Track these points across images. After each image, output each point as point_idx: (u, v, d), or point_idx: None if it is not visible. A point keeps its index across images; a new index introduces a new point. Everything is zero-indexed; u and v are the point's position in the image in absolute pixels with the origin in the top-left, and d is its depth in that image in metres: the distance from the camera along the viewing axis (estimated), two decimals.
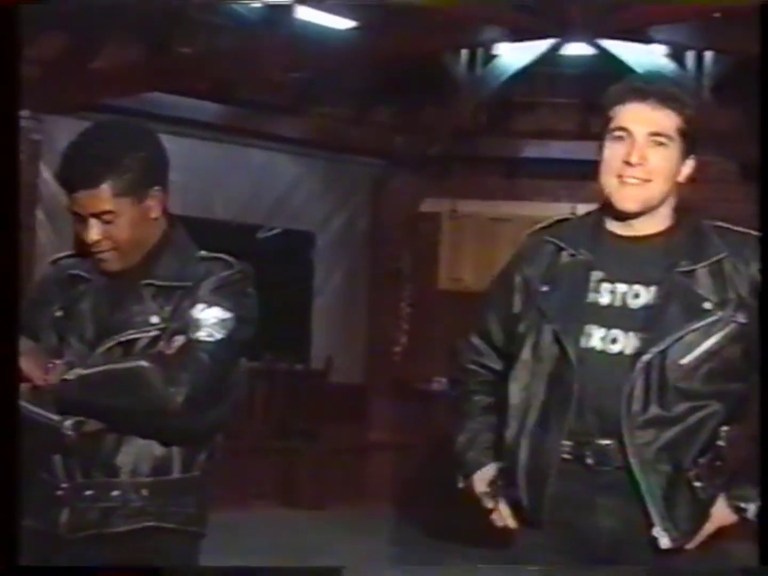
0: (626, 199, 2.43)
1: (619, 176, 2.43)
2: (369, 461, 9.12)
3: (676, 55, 8.03)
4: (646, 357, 2.36)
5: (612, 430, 2.36)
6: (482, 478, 2.59)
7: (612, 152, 2.44)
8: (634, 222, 2.47)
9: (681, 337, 2.37)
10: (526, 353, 2.48)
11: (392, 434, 9.16)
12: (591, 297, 2.45)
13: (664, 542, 2.34)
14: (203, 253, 2.65)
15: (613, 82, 2.54)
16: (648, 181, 2.41)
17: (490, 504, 2.57)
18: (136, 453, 2.55)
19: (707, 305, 2.38)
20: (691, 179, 2.49)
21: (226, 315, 2.53)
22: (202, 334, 2.50)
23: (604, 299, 2.45)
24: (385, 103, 9.29)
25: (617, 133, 2.43)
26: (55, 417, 2.49)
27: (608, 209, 2.49)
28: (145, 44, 7.85)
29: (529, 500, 2.44)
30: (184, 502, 2.60)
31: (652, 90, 2.43)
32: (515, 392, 2.49)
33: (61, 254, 2.77)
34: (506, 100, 9.09)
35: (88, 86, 7.50)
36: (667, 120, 2.41)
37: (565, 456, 2.40)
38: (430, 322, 9.28)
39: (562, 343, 2.42)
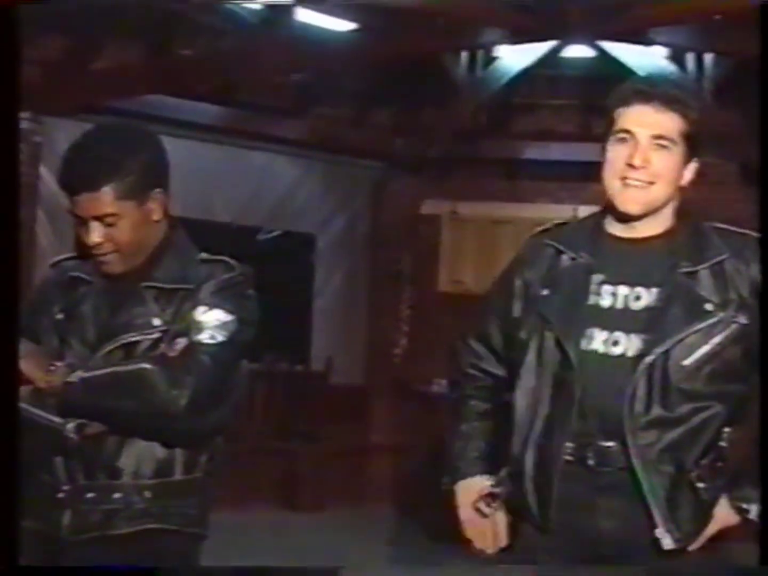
0: (629, 201, 2.43)
1: (622, 178, 2.42)
2: (369, 462, 9.12)
3: (677, 57, 8.02)
4: (648, 358, 2.36)
5: (614, 431, 2.36)
6: (466, 489, 2.60)
7: (615, 154, 2.44)
8: (635, 224, 2.47)
9: (683, 339, 2.37)
10: (530, 358, 2.48)
11: (392, 435, 9.16)
12: (592, 299, 2.45)
13: (667, 543, 2.34)
14: (204, 255, 2.65)
15: (613, 84, 2.54)
16: (651, 183, 2.41)
17: (465, 516, 2.59)
18: (138, 455, 2.55)
19: (709, 306, 2.39)
20: (692, 181, 2.49)
21: (228, 317, 2.53)
22: (204, 337, 2.50)
23: (606, 301, 2.45)
24: (385, 105, 9.29)
25: (621, 135, 2.43)
26: (58, 419, 2.49)
27: (610, 211, 2.49)
28: (145, 46, 7.85)
29: (537, 506, 2.44)
30: (186, 504, 2.60)
31: (656, 93, 2.42)
32: (521, 398, 2.49)
33: (62, 256, 2.77)
34: (507, 101, 9.09)
35: (89, 88, 7.50)
36: (671, 123, 2.41)
37: (567, 458, 2.40)
38: (430, 324, 9.27)
39: (563, 346, 2.42)
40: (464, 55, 8.43)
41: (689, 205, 2.52)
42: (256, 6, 7.65)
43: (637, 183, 2.41)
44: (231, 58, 7.62)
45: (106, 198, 2.51)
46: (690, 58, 8.13)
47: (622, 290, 2.45)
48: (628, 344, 2.40)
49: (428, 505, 8.12)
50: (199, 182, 8.09)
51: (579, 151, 8.22)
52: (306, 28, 7.66)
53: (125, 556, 2.53)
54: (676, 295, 2.40)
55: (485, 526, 2.58)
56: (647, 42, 7.39)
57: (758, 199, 2.56)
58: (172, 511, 2.58)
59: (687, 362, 2.37)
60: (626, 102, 2.43)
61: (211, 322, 2.51)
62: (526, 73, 8.30)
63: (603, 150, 2.47)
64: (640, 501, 2.35)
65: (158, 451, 2.56)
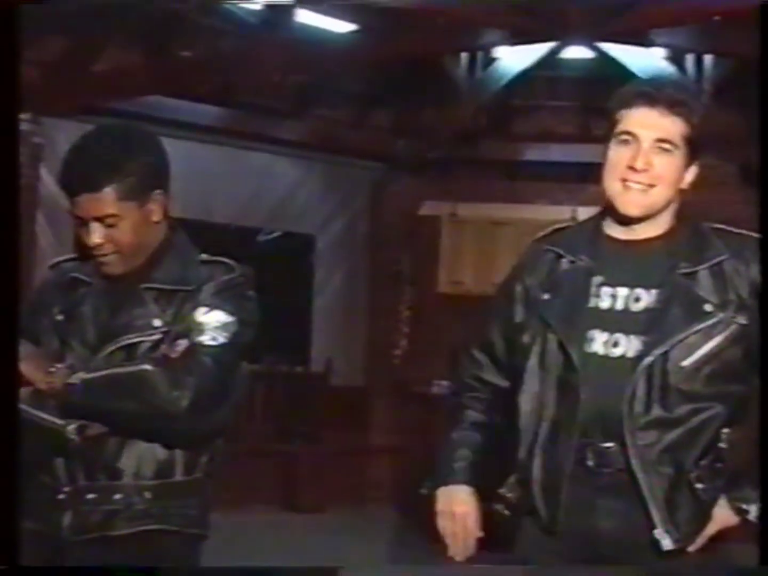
0: (629, 204, 2.43)
1: (623, 180, 2.42)
2: (369, 463, 9.13)
3: (676, 58, 8.03)
4: (647, 359, 2.36)
5: (614, 432, 2.36)
6: (445, 496, 2.59)
7: (617, 156, 2.43)
8: (634, 226, 2.47)
9: (682, 339, 2.37)
10: (533, 363, 2.47)
11: (392, 437, 9.17)
12: (592, 302, 2.45)
13: (666, 544, 2.34)
14: (204, 256, 2.65)
15: (613, 85, 2.54)
16: (651, 186, 2.41)
17: (442, 523, 2.59)
18: (139, 456, 2.55)
19: (708, 307, 2.39)
20: (692, 183, 2.48)
21: (229, 318, 2.53)
22: (205, 338, 2.50)
23: (605, 303, 2.44)
24: (385, 106, 9.30)
25: (623, 137, 2.42)
26: (59, 421, 2.49)
27: (609, 213, 2.49)
28: (145, 47, 7.85)
29: (545, 509, 2.44)
30: (187, 505, 2.60)
31: (661, 95, 2.41)
32: (525, 403, 2.48)
33: (62, 258, 2.77)
34: (506, 103, 9.10)
35: (89, 89, 7.51)
36: (673, 127, 2.40)
37: (569, 459, 2.40)
38: (430, 325, 9.28)
39: (566, 349, 2.42)
40: (464, 56, 8.44)
41: (689, 207, 2.52)
42: (256, 7, 7.66)
43: (637, 186, 2.41)
44: (231, 59, 7.62)
45: (106, 199, 2.51)
46: (689, 59, 8.13)
47: (622, 292, 2.44)
48: (627, 345, 2.40)
49: (428, 506, 8.13)
50: (198, 183, 8.09)
51: (578, 153, 8.24)
52: (306, 29, 7.67)
53: (126, 557, 2.53)
54: (675, 296, 2.40)
55: (459, 535, 2.57)
56: (647, 43, 7.40)
57: (758, 200, 2.56)
58: (173, 512, 2.58)
59: (686, 363, 2.37)
60: (629, 104, 2.42)
61: (212, 323, 2.52)
62: (526, 75, 8.31)
63: (604, 151, 2.46)
64: (639, 502, 2.35)
65: (159, 452, 2.56)
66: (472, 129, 9.03)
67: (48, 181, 7.41)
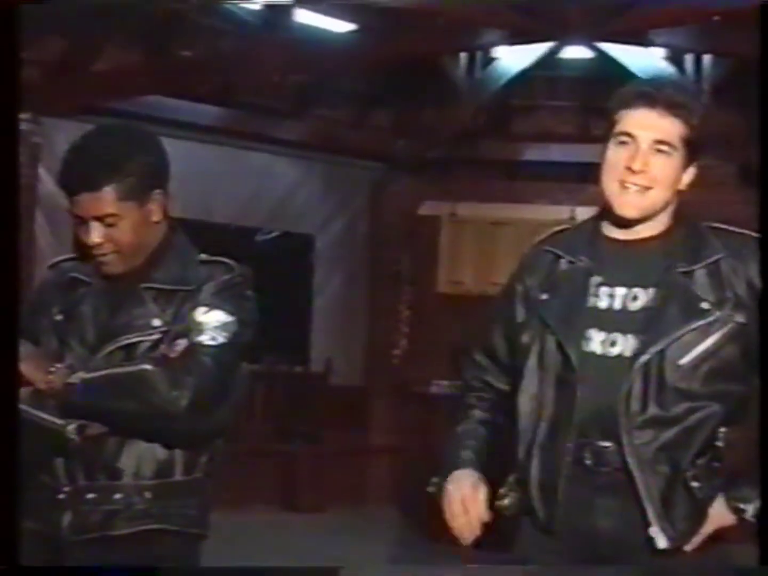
0: (626, 205, 2.42)
1: (621, 181, 2.41)
2: (369, 463, 9.13)
3: (675, 58, 8.04)
4: (644, 357, 2.36)
5: (611, 431, 2.37)
6: (456, 482, 2.55)
7: (615, 157, 2.43)
8: (631, 226, 2.47)
9: (679, 337, 2.37)
10: (532, 363, 2.48)
11: (392, 437, 9.17)
12: (591, 302, 2.45)
13: (661, 542, 2.34)
14: (203, 256, 2.66)
15: (612, 85, 2.54)
16: (649, 188, 2.41)
17: (451, 507, 2.54)
18: (139, 456, 2.55)
19: (705, 305, 2.39)
20: (691, 183, 2.48)
21: (228, 318, 2.53)
22: (204, 338, 2.50)
23: (603, 303, 2.45)
24: (384, 106, 9.30)
25: (622, 138, 2.42)
26: (58, 421, 2.49)
27: (607, 214, 2.49)
28: (144, 47, 7.85)
29: (543, 508, 2.44)
30: (187, 504, 2.60)
31: (660, 96, 2.40)
32: (524, 404, 2.48)
33: (61, 258, 2.77)
34: (506, 103, 9.10)
35: (88, 89, 7.51)
36: (673, 128, 2.39)
37: (566, 458, 2.41)
38: (430, 325, 9.28)
39: (564, 349, 2.42)
40: (463, 56, 8.44)
41: (687, 206, 2.52)
42: (256, 7, 7.66)
43: (635, 187, 2.41)
44: (230, 59, 7.62)
45: (106, 198, 2.52)
46: (689, 59, 8.14)
47: (620, 291, 2.45)
48: (625, 345, 2.40)
49: (428, 506, 8.14)
50: (198, 183, 8.09)
51: (578, 153, 8.24)
52: (305, 28, 7.67)
53: (125, 557, 2.53)
54: (672, 295, 2.40)
55: (467, 516, 2.52)
56: (646, 43, 7.40)
57: (758, 200, 2.55)
58: (173, 512, 2.58)
59: (683, 361, 2.37)
60: (629, 105, 2.42)
61: (212, 323, 2.52)
62: (525, 75, 8.31)
63: (603, 152, 2.46)
64: (636, 501, 2.36)
65: (158, 451, 2.56)
66: (471, 129, 9.03)
67: (47, 180, 7.41)
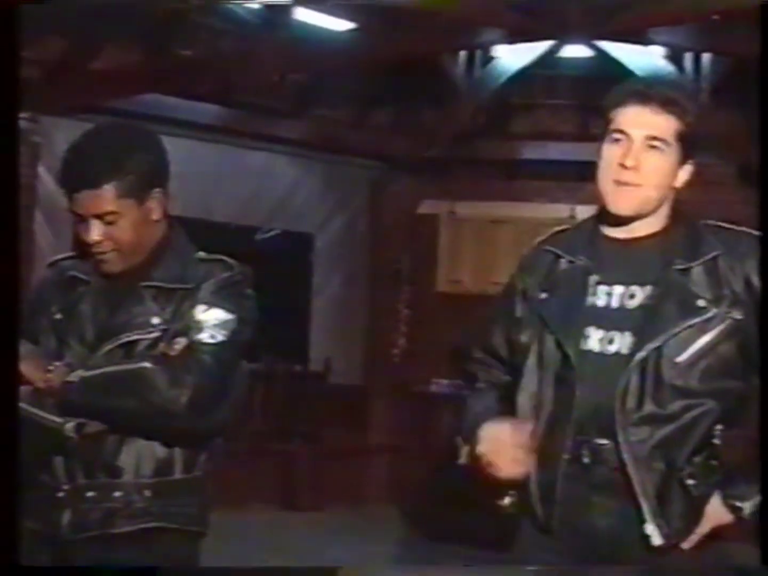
0: (620, 202, 2.43)
1: (615, 179, 2.42)
2: (368, 462, 9.13)
3: (675, 57, 8.03)
4: (640, 354, 2.37)
5: (609, 429, 2.37)
6: (487, 428, 2.48)
7: (609, 155, 2.44)
8: (629, 224, 2.48)
9: (676, 334, 2.37)
10: (531, 362, 2.48)
11: (391, 436, 9.17)
12: (589, 300, 2.46)
13: (656, 539, 2.35)
14: (202, 254, 2.66)
15: (611, 83, 2.54)
16: (642, 185, 2.41)
17: (486, 448, 2.45)
18: (138, 454, 2.56)
19: (701, 302, 2.39)
20: (689, 182, 2.49)
21: (228, 316, 2.54)
22: (204, 336, 2.51)
23: (602, 301, 2.46)
24: (383, 105, 9.30)
25: (615, 136, 2.43)
26: (57, 419, 2.49)
27: (606, 213, 2.50)
28: (144, 46, 7.85)
29: (542, 508, 2.44)
30: (186, 503, 2.60)
31: (653, 94, 2.41)
32: (524, 402, 2.49)
33: (60, 256, 2.77)
34: (505, 101, 9.10)
35: (88, 88, 7.50)
36: (666, 124, 2.40)
37: (564, 456, 2.41)
38: (429, 324, 9.28)
39: (563, 348, 2.42)
40: (462, 55, 8.44)
41: (686, 206, 2.52)
42: (256, 6, 7.66)
43: (628, 184, 2.41)
44: (230, 58, 7.62)
45: (107, 196, 2.52)
46: (688, 58, 8.14)
47: (618, 290, 2.45)
48: (622, 342, 2.41)
49: (427, 506, 8.15)
50: (198, 182, 8.09)
51: (577, 151, 8.23)
52: (304, 27, 7.67)
53: (125, 555, 2.53)
54: (669, 293, 2.41)
55: (515, 459, 2.43)
56: (645, 42, 7.40)
57: (758, 200, 2.56)
58: (172, 510, 2.58)
59: (680, 359, 2.37)
60: (622, 103, 2.43)
61: (211, 321, 2.52)
62: (524, 73, 8.31)
63: (599, 151, 2.47)
64: (633, 498, 2.36)
65: (158, 450, 2.56)
66: (470, 128, 9.04)
67: (46, 180, 7.41)
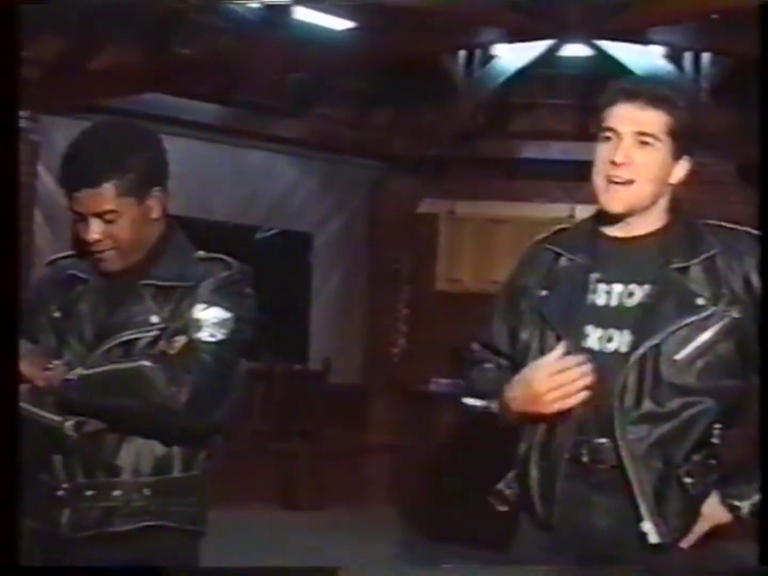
0: (612, 200, 2.44)
1: (607, 177, 2.44)
2: (367, 462, 9.13)
3: (674, 57, 8.03)
4: (638, 352, 2.37)
5: (607, 428, 2.37)
6: (523, 378, 2.44)
7: (601, 153, 2.45)
8: (629, 223, 2.48)
9: (674, 332, 2.38)
10: (531, 358, 2.48)
11: (390, 435, 9.17)
12: (589, 299, 2.47)
13: (653, 537, 2.35)
14: (201, 253, 2.66)
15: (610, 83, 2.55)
16: (633, 181, 2.42)
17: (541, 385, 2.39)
18: (137, 452, 2.56)
19: (700, 301, 2.40)
20: (688, 181, 2.49)
21: (227, 315, 2.54)
22: (203, 335, 2.51)
23: (600, 300, 2.46)
24: (383, 105, 9.29)
25: (606, 134, 2.45)
26: (56, 417, 2.50)
27: (604, 212, 2.50)
28: (144, 45, 7.84)
29: (542, 507, 2.44)
30: (185, 501, 2.61)
31: (641, 90, 2.43)
32: None
33: (58, 255, 2.77)
34: (504, 101, 9.09)
35: (87, 87, 7.50)
36: (655, 120, 2.41)
37: (564, 455, 2.41)
38: (428, 323, 9.28)
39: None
40: (462, 54, 8.43)
41: (686, 205, 2.53)
42: (256, 5, 7.65)
43: (619, 180, 2.42)
44: (230, 57, 7.62)
45: (106, 194, 2.52)
46: (688, 58, 8.13)
47: (617, 288, 2.46)
48: (621, 340, 2.41)
49: (427, 506, 8.15)
50: (197, 181, 8.09)
51: (576, 150, 8.21)
52: (304, 26, 7.67)
53: (124, 554, 2.53)
54: (667, 291, 2.41)
55: (565, 387, 2.37)
56: (645, 41, 7.40)
57: (758, 199, 2.56)
58: (171, 509, 2.58)
59: (679, 357, 2.38)
60: (613, 101, 2.45)
61: (210, 319, 2.52)
62: (524, 73, 8.31)
63: (594, 150, 2.48)
64: (631, 497, 2.36)
65: (157, 448, 2.56)
66: (470, 127, 9.03)
67: (45, 179, 7.41)
